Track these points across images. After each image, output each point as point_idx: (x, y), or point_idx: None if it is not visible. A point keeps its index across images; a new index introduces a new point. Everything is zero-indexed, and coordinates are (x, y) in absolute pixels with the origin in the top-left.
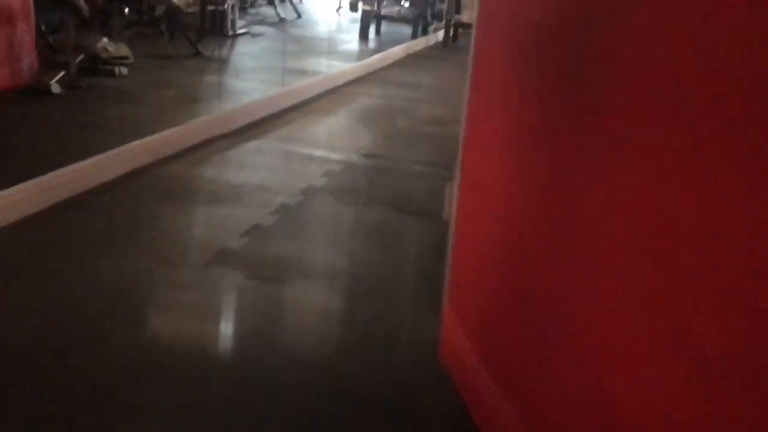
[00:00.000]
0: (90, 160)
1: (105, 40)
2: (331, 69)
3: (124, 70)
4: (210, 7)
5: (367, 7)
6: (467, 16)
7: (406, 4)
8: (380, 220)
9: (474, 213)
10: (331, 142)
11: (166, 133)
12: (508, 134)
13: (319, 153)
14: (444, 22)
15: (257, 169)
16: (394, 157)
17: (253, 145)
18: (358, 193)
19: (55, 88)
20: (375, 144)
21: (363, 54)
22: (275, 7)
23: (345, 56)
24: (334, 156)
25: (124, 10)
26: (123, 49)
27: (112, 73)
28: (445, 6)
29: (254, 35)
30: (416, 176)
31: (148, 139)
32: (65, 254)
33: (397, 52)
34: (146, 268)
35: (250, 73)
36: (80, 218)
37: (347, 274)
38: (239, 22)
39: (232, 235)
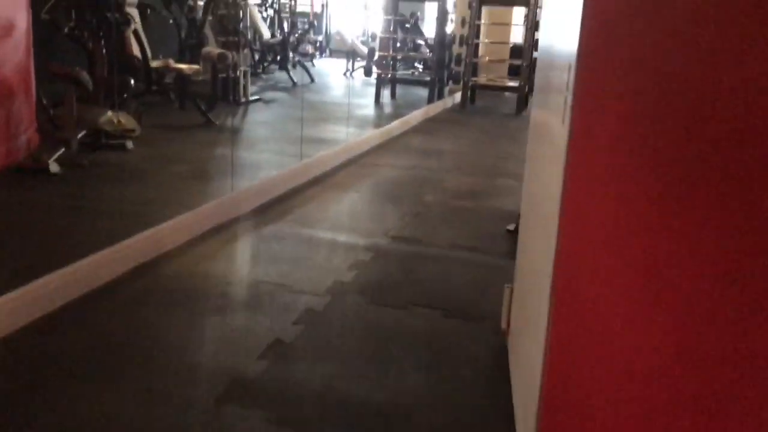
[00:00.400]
0: (80, 263)
1: (109, 112)
2: (349, 137)
3: (130, 144)
4: (221, 74)
5: (382, 72)
6: (485, 78)
7: (420, 67)
8: (423, 327)
9: (580, 335)
10: (355, 223)
11: (172, 222)
12: (649, 243)
13: (343, 238)
14: (461, 84)
15: (276, 262)
16: (428, 240)
17: (270, 230)
18: (393, 291)
19: (54, 167)
20: (404, 224)
21: (381, 119)
22: (288, 72)
23: (362, 122)
24: (361, 241)
25: (129, 80)
26: (129, 122)
27: (117, 148)
28: (462, 68)
29: (267, 102)
30: (456, 264)
31: (150, 231)
32: (31, 394)
33: (415, 116)
34: (137, 410)
35: (264, 143)
36: (57, 341)
37: (390, 411)
38: (251, 88)
39: (249, 356)
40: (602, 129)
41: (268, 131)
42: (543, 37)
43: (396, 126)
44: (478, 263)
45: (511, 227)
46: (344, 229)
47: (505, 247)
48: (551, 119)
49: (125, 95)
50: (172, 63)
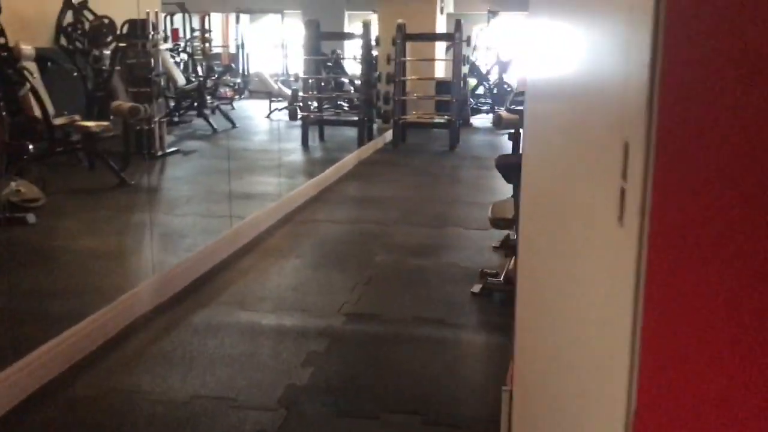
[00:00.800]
0: None
1: (12, 183)
2: (281, 190)
3: (32, 218)
4: (136, 127)
5: (307, 114)
6: (415, 115)
7: (345, 105)
8: None
9: None
10: (302, 299)
11: (82, 325)
12: None
13: (291, 321)
14: (392, 122)
15: (213, 365)
16: (387, 314)
17: (200, 319)
18: (360, 393)
19: None
20: (357, 295)
21: (312, 166)
22: (206, 118)
23: (293, 171)
24: (312, 323)
25: (26, 146)
26: (30, 190)
27: (16, 222)
28: (390, 106)
29: (186, 153)
30: (425, 346)
31: (53, 342)
32: None
33: (348, 161)
34: None
35: (186, 204)
36: None
37: None
38: (168, 138)
39: None
40: (708, 240)
41: (189, 188)
42: (535, 78)
43: (330, 173)
44: (449, 342)
45: (476, 290)
46: (290, 308)
47: (475, 316)
48: (582, 205)
49: (23, 161)
50: (78, 120)
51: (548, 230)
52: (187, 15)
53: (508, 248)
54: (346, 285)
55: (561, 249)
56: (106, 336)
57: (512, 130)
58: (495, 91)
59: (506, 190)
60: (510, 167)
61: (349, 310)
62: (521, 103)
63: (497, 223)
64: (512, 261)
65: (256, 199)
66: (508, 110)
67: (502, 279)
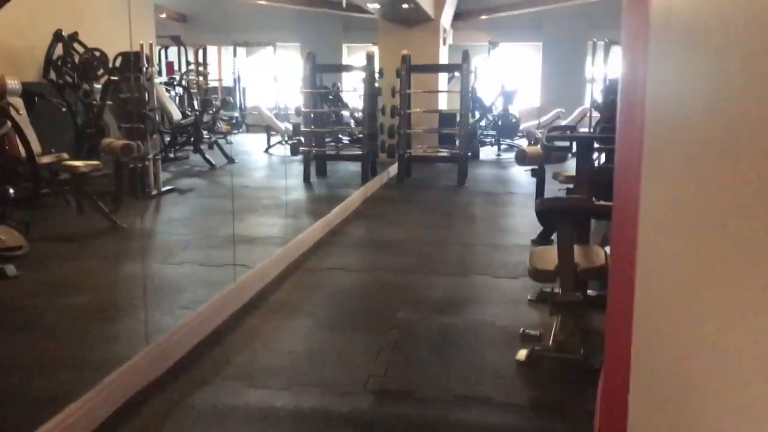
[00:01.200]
0: None
1: None
2: (285, 232)
3: (12, 270)
4: (129, 164)
5: (309, 149)
6: (421, 149)
7: (345, 139)
8: None
9: None
10: (319, 371)
11: (62, 417)
12: None
13: (309, 402)
14: (396, 157)
15: None
16: (424, 392)
17: (203, 399)
18: None
19: None
20: (384, 365)
21: (316, 204)
22: (203, 154)
23: (296, 210)
24: (335, 406)
25: (7, 192)
26: (12, 238)
27: None
28: (396, 140)
29: (183, 192)
30: None
31: None
32: None
33: (354, 199)
34: None
35: (183, 251)
36: None
37: None
38: (164, 176)
39: None
40: None
41: (187, 232)
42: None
43: (336, 213)
44: (502, 428)
45: (522, 357)
46: (307, 383)
47: (526, 394)
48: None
49: (4, 206)
50: (65, 158)
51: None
52: (182, 48)
53: (556, 306)
54: (369, 351)
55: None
56: (90, 427)
57: (536, 167)
58: (500, 123)
59: (528, 231)
60: (556, 213)
61: (377, 385)
62: (558, 138)
63: (539, 275)
64: (559, 321)
65: (259, 244)
66: (547, 147)
67: (551, 345)
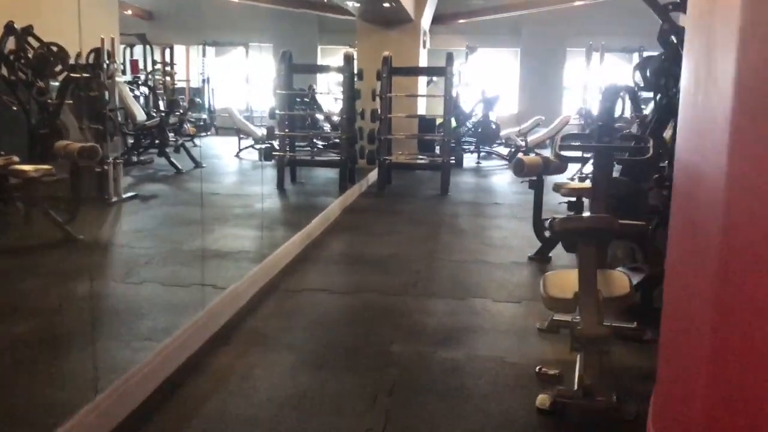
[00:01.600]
0: None
1: None
2: (260, 246)
3: None
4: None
5: (284, 154)
6: (403, 156)
7: (319, 144)
8: None
9: None
10: (304, 424)
11: None
12: None
13: None
14: (377, 163)
15: None
16: None
17: None
18: None
19: None
20: (383, 416)
21: (292, 215)
22: (168, 158)
23: (271, 221)
24: None
25: None
26: None
27: None
28: (376, 146)
29: (146, 198)
30: None
31: None
32: None
33: (333, 209)
34: None
35: (144, 267)
36: None
37: None
38: (125, 180)
39: None
40: None
41: (149, 244)
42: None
43: (315, 225)
44: None
45: (544, 404)
46: None
47: None
48: None
49: None
50: (14, 162)
51: None
52: (148, 46)
53: (578, 341)
54: (364, 396)
55: None
56: None
57: (534, 178)
58: (480, 130)
59: (521, 245)
60: (578, 234)
61: None
62: (570, 147)
63: (555, 304)
64: (582, 359)
65: (230, 259)
66: (560, 156)
67: (576, 388)
